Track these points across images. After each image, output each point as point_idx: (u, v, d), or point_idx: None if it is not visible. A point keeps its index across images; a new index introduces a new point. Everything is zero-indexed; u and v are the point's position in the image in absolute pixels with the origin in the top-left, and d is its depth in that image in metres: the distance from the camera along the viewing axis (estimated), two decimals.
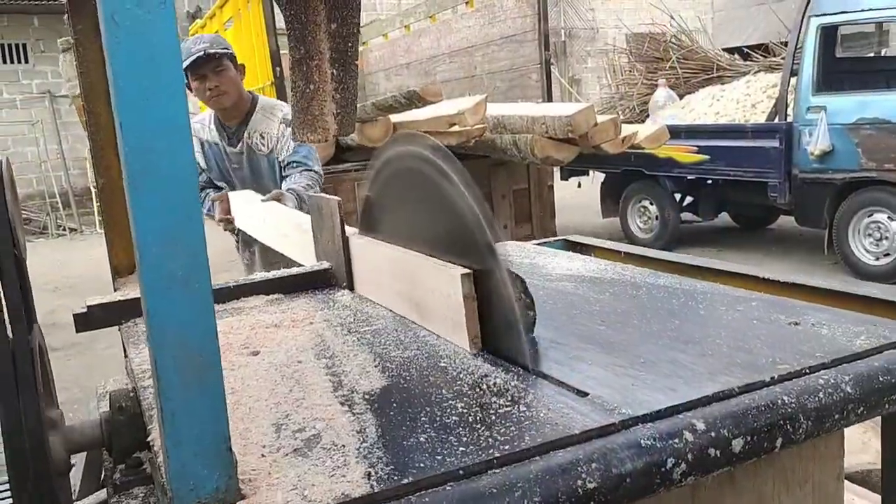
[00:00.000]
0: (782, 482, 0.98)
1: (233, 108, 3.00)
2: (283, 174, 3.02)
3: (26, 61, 13.15)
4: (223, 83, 2.90)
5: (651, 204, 8.01)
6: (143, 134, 0.62)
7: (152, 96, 0.61)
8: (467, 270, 1.06)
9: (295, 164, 3.01)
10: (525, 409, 0.87)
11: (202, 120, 3.15)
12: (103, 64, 1.78)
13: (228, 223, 2.90)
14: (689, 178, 7.56)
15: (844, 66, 7.01)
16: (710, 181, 7.56)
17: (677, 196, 7.91)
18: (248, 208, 2.66)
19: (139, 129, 0.62)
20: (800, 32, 6.60)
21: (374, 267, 1.42)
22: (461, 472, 0.74)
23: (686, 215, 8.17)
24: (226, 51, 2.92)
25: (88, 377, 4.46)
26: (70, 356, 5.07)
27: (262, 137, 3.04)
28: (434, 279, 1.15)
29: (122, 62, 0.60)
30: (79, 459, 1.43)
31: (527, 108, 5.56)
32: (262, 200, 2.57)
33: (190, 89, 2.91)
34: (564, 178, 8.87)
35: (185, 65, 2.74)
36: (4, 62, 13.01)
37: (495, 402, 0.90)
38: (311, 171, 3.01)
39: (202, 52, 2.80)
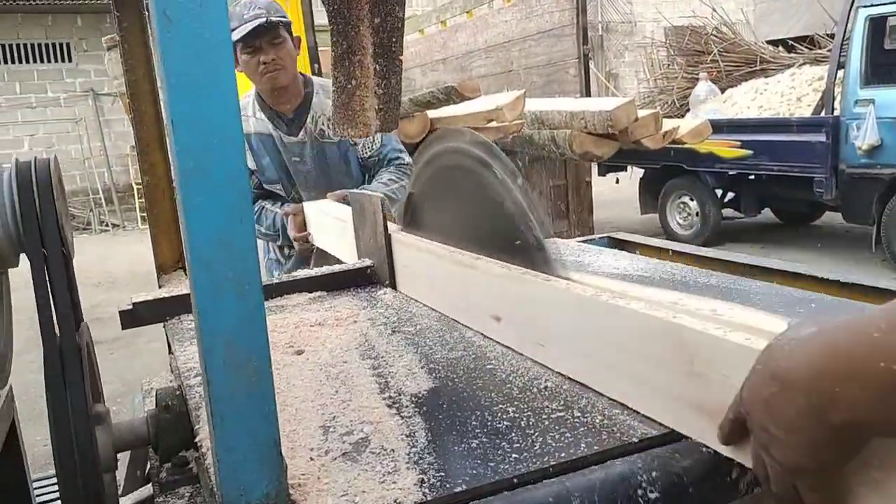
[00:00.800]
0: None
1: (288, 87, 2.50)
2: (371, 172, 2.57)
3: (70, 60, 13.42)
4: (281, 57, 2.42)
5: (691, 200, 7.88)
6: (195, 131, 0.60)
7: (204, 92, 0.60)
8: None
9: (377, 160, 2.57)
10: (580, 414, 0.84)
11: (241, 109, 2.66)
12: (148, 61, 1.80)
13: (305, 242, 2.40)
14: (730, 173, 7.43)
15: (893, 58, 6.79)
16: (752, 176, 7.41)
17: (718, 192, 7.79)
18: (335, 226, 1.99)
19: (190, 126, 0.60)
20: (847, 24, 6.44)
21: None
22: (515, 480, 0.72)
23: (727, 211, 8.03)
24: (284, 19, 2.45)
25: (131, 371, 4.54)
26: (113, 350, 5.15)
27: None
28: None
29: (174, 57, 0.58)
30: (122, 456, 1.44)
31: (565, 103, 5.49)
32: None
33: (236, 63, 2.44)
34: (602, 173, 8.77)
35: (238, 35, 2.34)
36: (49, 61, 13.30)
37: (548, 407, 0.87)
38: (397, 161, 2.57)
39: (263, 20, 2.33)
